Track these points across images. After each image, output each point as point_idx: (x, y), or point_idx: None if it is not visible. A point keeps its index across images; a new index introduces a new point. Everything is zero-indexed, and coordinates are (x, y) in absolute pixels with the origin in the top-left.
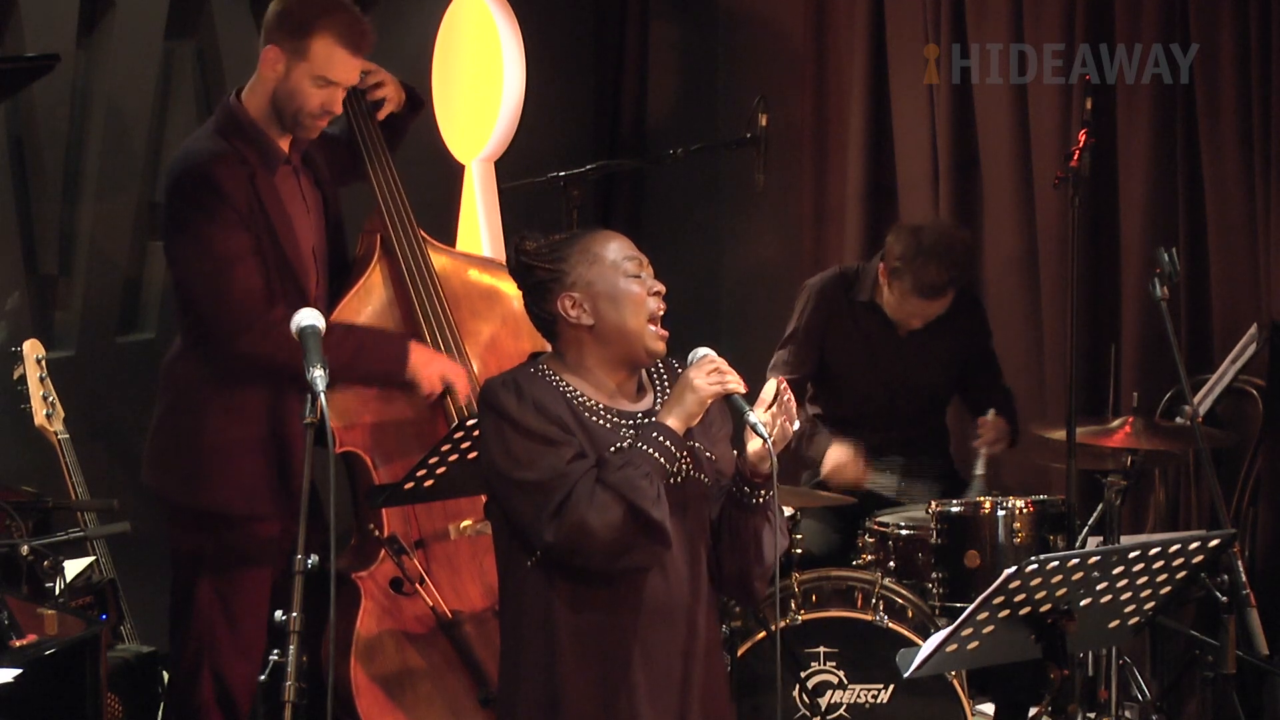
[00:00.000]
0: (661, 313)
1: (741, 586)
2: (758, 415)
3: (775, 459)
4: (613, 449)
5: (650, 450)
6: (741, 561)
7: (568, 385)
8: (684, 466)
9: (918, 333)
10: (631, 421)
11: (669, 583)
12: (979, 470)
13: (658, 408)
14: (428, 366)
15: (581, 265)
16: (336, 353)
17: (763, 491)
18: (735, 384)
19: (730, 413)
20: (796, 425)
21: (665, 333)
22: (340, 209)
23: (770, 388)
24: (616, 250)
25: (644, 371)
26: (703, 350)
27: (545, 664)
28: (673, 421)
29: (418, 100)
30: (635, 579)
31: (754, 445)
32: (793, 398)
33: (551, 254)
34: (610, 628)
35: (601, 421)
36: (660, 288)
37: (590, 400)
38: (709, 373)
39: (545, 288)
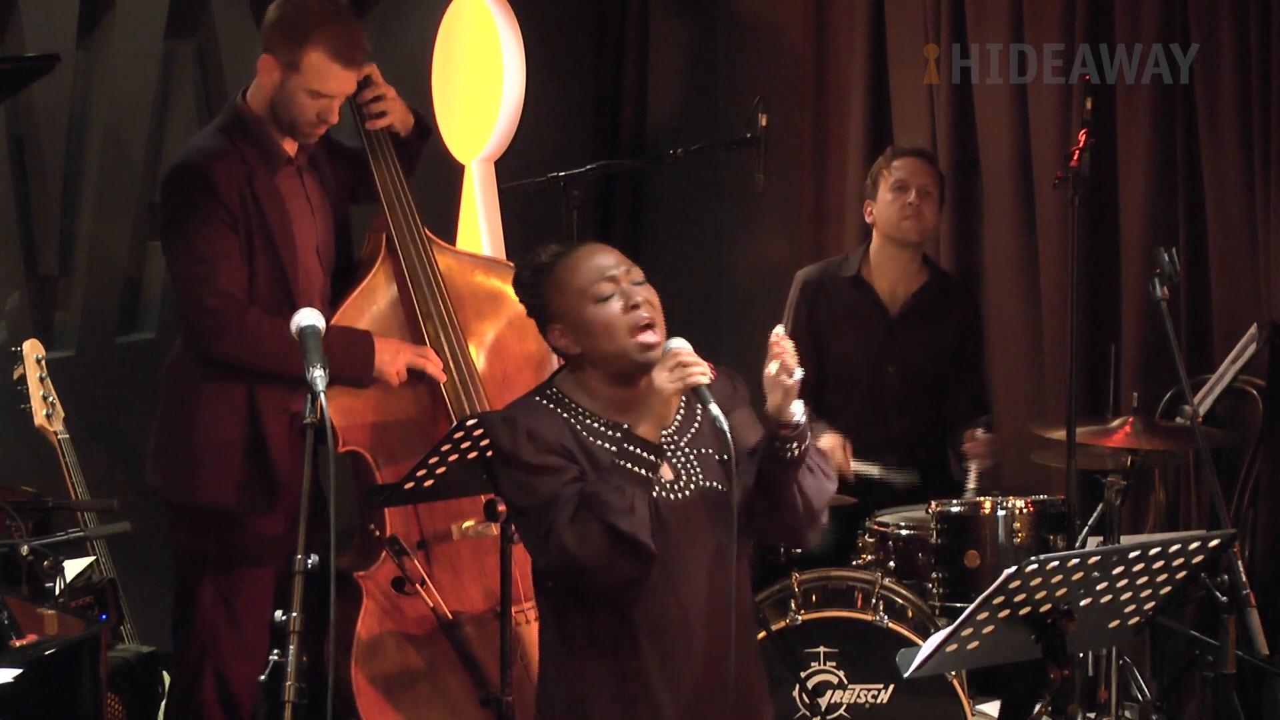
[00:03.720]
0: (645, 321)
1: (794, 538)
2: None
3: (730, 438)
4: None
5: (624, 462)
6: (790, 517)
7: (577, 406)
8: (692, 474)
9: (908, 312)
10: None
11: (689, 589)
12: (971, 484)
13: (680, 414)
14: (393, 362)
15: (556, 296)
16: None
17: (795, 444)
18: (699, 375)
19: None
20: (798, 374)
21: (653, 338)
22: (347, 210)
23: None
24: (586, 274)
25: None
26: (671, 343)
27: (568, 673)
28: (644, 429)
29: (425, 127)
30: (651, 588)
31: (773, 399)
32: (785, 349)
33: (534, 286)
34: (627, 636)
35: (606, 444)
36: (638, 298)
37: (598, 420)
38: (671, 369)
39: (538, 320)
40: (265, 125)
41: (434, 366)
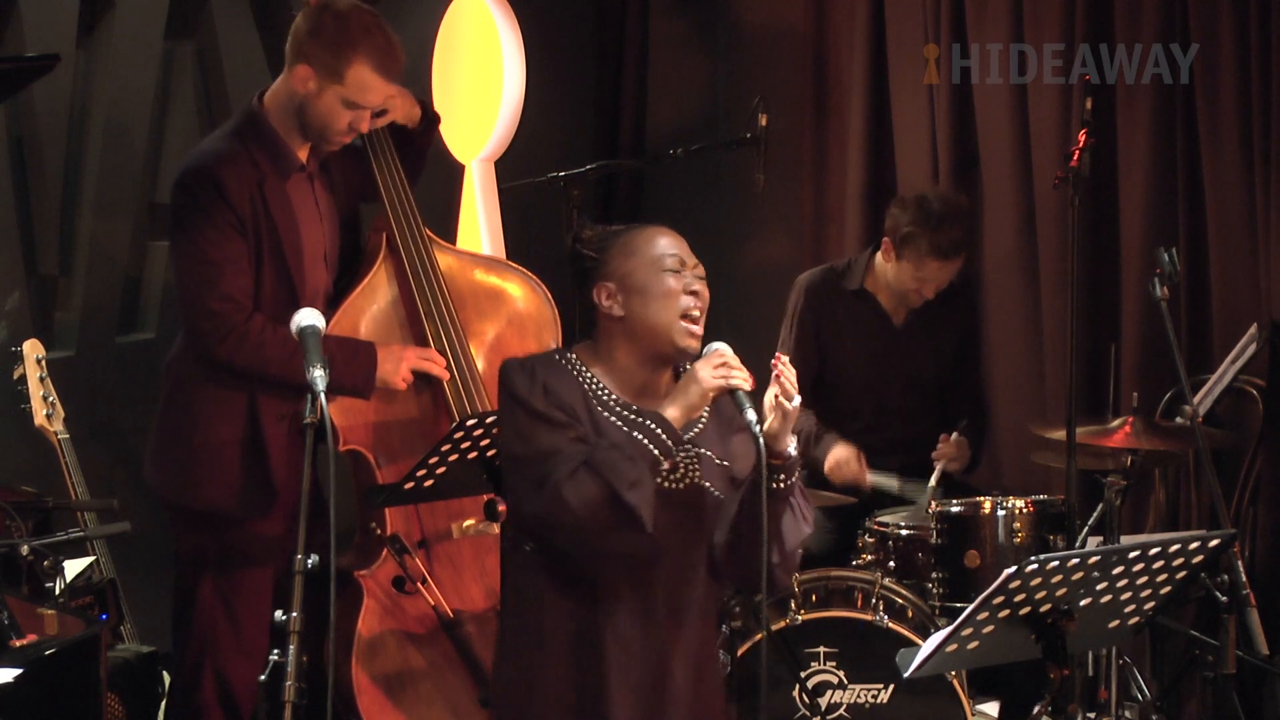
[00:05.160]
0: (698, 313)
1: (767, 577)
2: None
3: (763, 445)
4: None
5: (641, 437)
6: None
7: (592, 376)
8: (691, 470)
9: (912, 322)
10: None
11: (658, 583)
12: (932, 482)
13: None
14: (397, 370)
15: (620, 257)
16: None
17: (782, 476)
18: (740, 380)
19: (735, 408)
20: (796, 401)
21: (698, 330)
22: (356, 209)
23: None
24: (659, 246)
25: (678, 371)
26: (717, 344)
27: (527, 648)
28: (672, 412)
29: (433, 116)
30: (624, 576)
31: (771, 424)
32: (785, 375)
33: (599, 243)
34: (591, 622)
35: (614, 419)
36: (698, 287)
37: (611, 395)
38: (716, 366)
39: (587, 275)
40: (280, 130)
41: (437, 366)
